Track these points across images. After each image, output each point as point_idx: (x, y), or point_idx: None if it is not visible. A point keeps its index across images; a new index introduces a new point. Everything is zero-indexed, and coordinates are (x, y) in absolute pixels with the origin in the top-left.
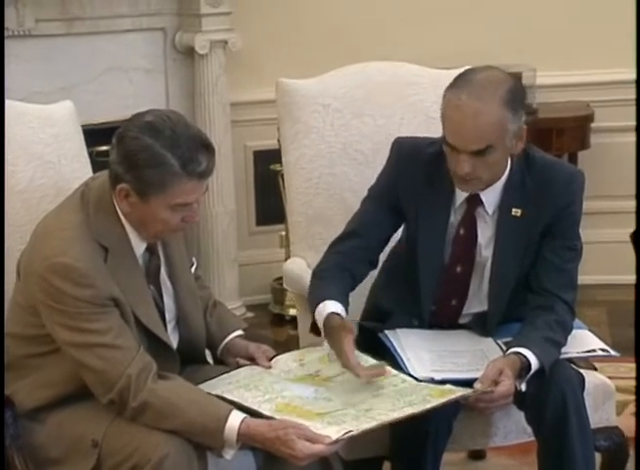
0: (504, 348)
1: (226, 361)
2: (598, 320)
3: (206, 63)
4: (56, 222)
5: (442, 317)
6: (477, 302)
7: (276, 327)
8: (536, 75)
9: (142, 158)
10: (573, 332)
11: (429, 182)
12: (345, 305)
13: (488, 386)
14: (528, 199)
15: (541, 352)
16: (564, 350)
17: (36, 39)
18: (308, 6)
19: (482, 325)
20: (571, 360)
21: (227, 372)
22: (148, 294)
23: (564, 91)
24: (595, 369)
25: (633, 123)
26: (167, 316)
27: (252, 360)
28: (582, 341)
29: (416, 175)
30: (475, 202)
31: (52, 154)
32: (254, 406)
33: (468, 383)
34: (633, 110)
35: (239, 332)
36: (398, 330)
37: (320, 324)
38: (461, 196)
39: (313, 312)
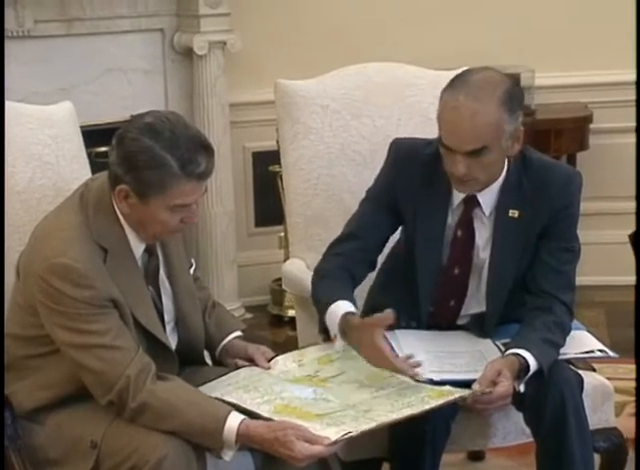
0: (502, 349)
1: (225, 362)
2: (596, 321)
3: (205, 64)
4: (55, 223)
5: (441, 318)
6: (475, 303)
7: (275, 328)
8: (535, 76)
9: (142, 159)
10: (572, 333)
11: (426, 183)
12: (355, 305)
13: (487, 387)
14: (525, 200)
15: (540, 354)
16: (562, 350)
17: (35, 40)
18: (307, 7)
19: (481, 326)
20: (569, 361)
21: (226, 374)
22: (147, 295)
23: (562, 92)
24: (594, 370)
25: (632, 124)
26: (166, 317)
27: (251, 361)
28: (581, 342)
29: (414, 176)
30: (472, 203)
31: (51, 155)
32: (253, 408)
33: (466, 384)
34: (632, 111)
35: (238, 333)
36: (397, 331)
37: (334, 325)
38: (458, 197)
39: (322, 314)
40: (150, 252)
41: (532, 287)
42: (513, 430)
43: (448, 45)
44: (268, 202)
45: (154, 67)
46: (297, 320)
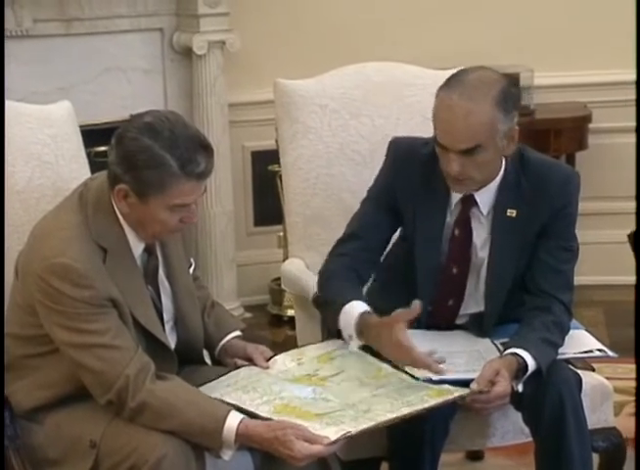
0: (501, 348)
1: (224, 362)
2: (595, 321)
3: (204, 63)
4: (54, 223)
5: (439, 318)
6: (473, 302)
7: (274, 328)
8: (534, 76)
9: (141, 158)
10: (571, 332)
11: (425, 183)
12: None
13: (485, 387)
14: (523, 199)
15: (538, 353)
16: (561, 350)
17: (34, 40)
18: (307, 6)
19: (479, 326)
20: (568, 361)
21: (226, 374)
22: (146, 294)
23: (561, 92)
24: (593, 370)
25: (631, 124)
26: (165, 317)
27: (250, 361)
28: (579, 341)
29: (412, 176)
30: (469, 202)
31: (50, 154)
32: (252, 409)
33: (465, 383)
34: (631, 110)
35: (237, 333)
36: None
37: (350, 326)
38: (456, 196)
39: (336, 315)
40: (149, 251)
41: (531, 286)
42: (511, 429)
43: (447, 45)
44: (267, 201)
45: (153, 66)
46: (297, 320)
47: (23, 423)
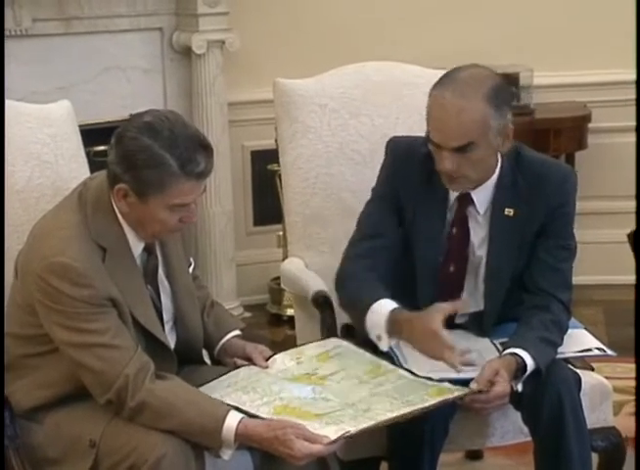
0: (500, 348)
1: (223, 361)
2: (595, 320)
3: (204, 63)
4: (54, 222)
5: None
6: (473, 301)
7: (274, 327)
8: (534, 76)
9: (141, 158)
10: (570, 331)
11: (425, 181)
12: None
13: (484, 386)
14: (521, 198)
15: (537, 353)
16: (560, 349)
17: (34, 39)
18: (306, 5)
19: (479, 325)
20: (567, 360)
21: (225, 374)
22: (145, 294)
23: (561, 91)
24: (592, 369)
25: (630, 124)
26: (165, 316)
27: (250, 360)
28: (578, 340)
29: (412, 175)
30: (465, 201)
31: (50, 153)
32: (252, 410)
33: (464, 383)
34: (630, 110)
35: (236, 332)
36: None
37: (379, 325)
38: (454, 195)
39: (362, 315)
40: (149, 251)
41: (530, 285)
42: (511, 429)
43: (447, 44)
44: (267, 201)
45: (152, 66)
46: (296, 319)
47: (23, 423)
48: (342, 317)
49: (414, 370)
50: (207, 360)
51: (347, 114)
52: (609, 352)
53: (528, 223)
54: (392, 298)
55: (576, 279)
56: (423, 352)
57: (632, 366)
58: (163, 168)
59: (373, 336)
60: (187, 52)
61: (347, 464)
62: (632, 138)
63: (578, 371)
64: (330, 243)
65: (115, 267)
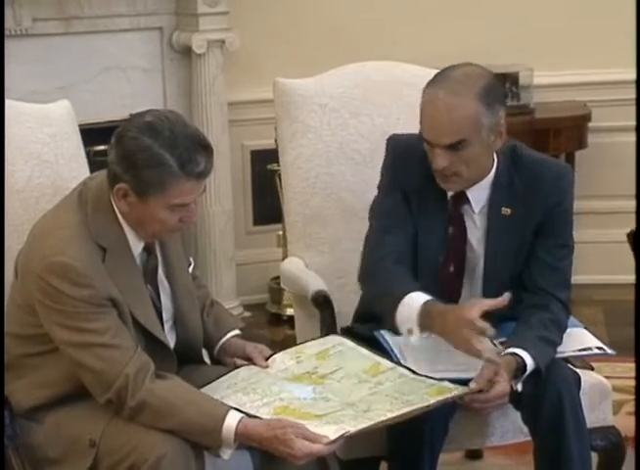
0: (500, 347)
1: (223, 361)
2: (595, 319)
3: (204, 62)
4: (54, 222)
5: None
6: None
7: (273, 327)
8: (534, 75)
9: (141, 158)
10: (569, 330)
11: (425, 178)
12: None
13: (484, 386)
14: (517, 198)
15: (537, 353)
16: (560, 348)
17: (34, 39)
18: (306, 5)
19: None
20: (567, 360)
21: (225, 374)
22: (145, 294)
23: (561, 91)
24: (592, 369)
25: (630, 123)
26: (165, 316)
27: (249, 360)
28: (578, 339)
29: (412, 172)
30: (461, 199)
31: (50, 153)
32: (252, 411)
33: (463, 383)
34: (630, 109)
35: (236, 332)
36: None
37: (410, 318)
38: (451, 193)
39: (393, 308)
40: (148, 250)
41: (529, 284)
42: (510, 429)
43: (447, 44)
44: (267, 200)
45: (152, 65)
46: (296, 319)
47: (23, 422)
48: (342, 318)
49: (412, 366)
50: (207, 360)
51: (348, 113)
52: (608, 350)
53: (526, 222)
54: None
55: (576, 279)
56: (455, 344)
57: (632, 366)
58: (163, 168)
59: (403, 330)
60: (187, 52)
61: (347, 464)
62: (632, 137)
63: (578, 371)
64: (330, 243)
65: (115, 267)
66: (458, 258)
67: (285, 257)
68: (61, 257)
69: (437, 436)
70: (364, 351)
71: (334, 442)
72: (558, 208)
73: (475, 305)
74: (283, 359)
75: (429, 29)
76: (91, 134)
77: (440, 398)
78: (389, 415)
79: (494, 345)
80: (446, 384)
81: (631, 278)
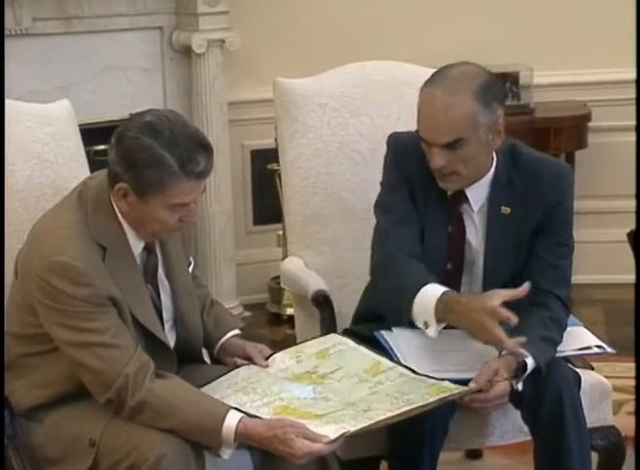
0: (500, 347)
1: (223, 361)
2: (595, 319)
3: (204, 62)
4: (54, 221)
5: None
6: None
7: (273, 326)
8: (534, 75)
9: (141, 157)
10: (569, 329)
11: (427, 176)
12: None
13: (484, 386)
14: (517, 197)
15: (537, 352)
16: (559, 348)
17: (33, 38)
18: (306, 4)
19: None
20: (567, 359)
21: (225, 374)
22: (145, 293)
23: (561, 90)
24: (592, 368)
25: (630, 123)
26: (165, 315)
27: (249, 360)
28: (577, 338)
29: (413, 170)
30: (459, 198)
31: (49, 153)
32: (253, 411)
33: (463, 383)
34: (631, 109)
35: (236, 331)
36: (395, 329)
37: (426, 311)
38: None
39: (409, 301)
40: (148, 250)
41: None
42: (510, 428)
43: (447, 43)
44: (267, 200)
45: (152, 65)
46: (296, 318)
47: (23, 422)
48: (342, 318)
49: (412, 366)
50: (207, 359)
51: (348, 113)
52: (608, 349)
53: (525, 221)
54: None
55: (576, 278)
56: (476, 334)
57: (632, 365)
58: (164, 168)
59: (420, 323)
60: (187, 51)
61: (347, 463)
62: (632, 137)
63: (578, 370)
64: (330, 242)
65: (115, 266)
66: (457, 257)
67: (285, 256)
68: (61, 256)
69: (437, 435)
70: (364, 350)
71: (334, 441)
72: (558, 207)
73: (496, 295)
74: (283, 359)
75: (429, 29)
76: (91, 134)
77: (440, 396)
78: (389, 415)
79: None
80: (446, 384)
81: (631, 278)
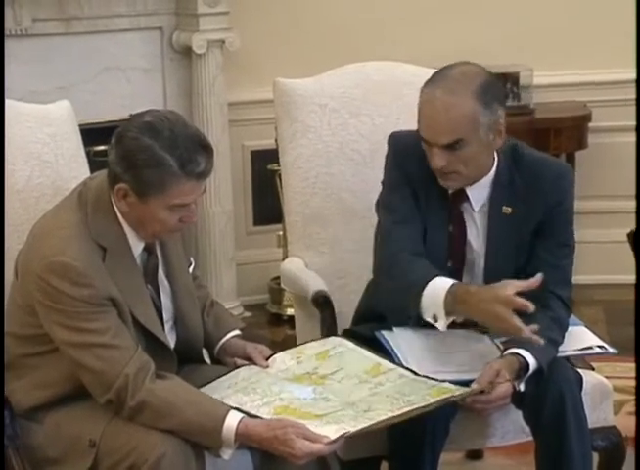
0: (501, 347)
1: (223, 361)
2: (595, 319)
3: (204, 62)
4: (54, 222)
5: None
6: None
7: (273, 327)
8: (534, 75)
9: (141, 158)
10: (570, 329)
11: (428, 175)
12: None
13: (485, 387)
14: (518, 197)
15: (539, 352)
16: (561, 348)
17: (34, 39)
18: (306, 5)
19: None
20: (568, 359)
21: (226, 374)
22: (145, 293)
23: (561, 91)
24: (592, 369)
25: (630, 123)
26: (165, 316)
27: (250, 360)
28: (579, 338)
29: (415, 169)
30: (460, 197)
31: (50, 153)
32: (253, 411)
33: (465, 384)
34: (631, 109)
35: (236, 332)
36: (395, 329)
37: (435, 304)
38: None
39: (417, 295)
40: (149, 250)
41: None
42: (512, 429)
43: (447, 44)
44: (267, 200)
45: (152, 65)
46: (296, 319)
47: (23, 422)
48: (342, 318)
49: (413, 367)
50: (207, 360)
51: (348, 113)
52: (610, 349)
53: (526, 222)
54: None
55: (577, 278)
56: (490, 323)
57: (632, 366)
58: (164, 168)
59: (429, 316)
60: (187, 52)
61: (348, 464)
62: (632, 138)
63: (579, 371)
64: (330, 243)
65: (115, 267)
66: (457, 257)
67: (285, 257)
68: (61, 256)
69: (438, 436)
70: (365, 352)
71: (334, 441)
72: (558, 207)
73: (509, 285)
74: (283, 359)
75: (429, 29)
76: (91, 134)
77: (442, 397)
78: (390, 415)
79: (495, 345)
80: (448, 385)
81: (631, 278)
